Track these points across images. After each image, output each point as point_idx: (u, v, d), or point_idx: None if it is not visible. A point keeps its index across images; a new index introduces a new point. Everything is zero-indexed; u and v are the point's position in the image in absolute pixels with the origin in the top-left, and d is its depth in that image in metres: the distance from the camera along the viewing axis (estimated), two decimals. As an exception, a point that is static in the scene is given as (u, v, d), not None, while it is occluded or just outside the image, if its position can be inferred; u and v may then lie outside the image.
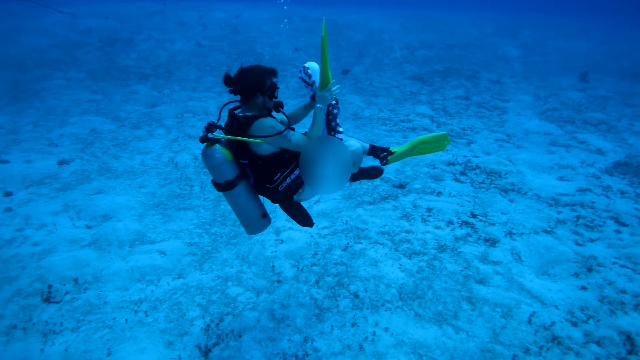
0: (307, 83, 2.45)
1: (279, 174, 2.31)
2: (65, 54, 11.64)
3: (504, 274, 3.32)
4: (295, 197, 2.44)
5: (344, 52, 12.97)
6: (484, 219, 4.24)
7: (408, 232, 3.98)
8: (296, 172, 2.34)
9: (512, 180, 5.14)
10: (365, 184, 5.09)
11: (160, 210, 4.46)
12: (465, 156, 6.02)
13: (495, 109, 8.55)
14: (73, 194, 4.70)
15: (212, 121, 2.23)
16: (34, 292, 3.01)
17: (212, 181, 2.30)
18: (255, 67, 2.29)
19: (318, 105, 2.27)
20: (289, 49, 12.80)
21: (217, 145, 2.19)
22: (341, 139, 2.41)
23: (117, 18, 14.08)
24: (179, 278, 3.35)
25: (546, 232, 3.92)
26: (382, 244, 3.78)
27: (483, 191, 4.89)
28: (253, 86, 2.24)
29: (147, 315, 2.89)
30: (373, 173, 2.86)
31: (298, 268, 3.44)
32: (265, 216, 2.43)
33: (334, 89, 2.30)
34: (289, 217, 2.63)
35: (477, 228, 4.03)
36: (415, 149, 2.76)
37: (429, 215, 4.29)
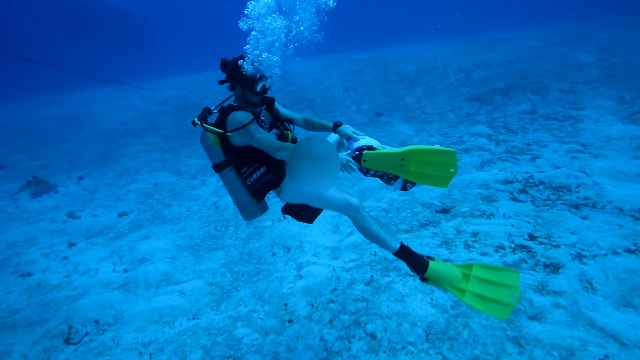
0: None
1: (245, 168, 2.27)
2: (146, 123, 13.34)
3: (567, 306, 2.58)
4: (281, 198, 2.33)
5: (394, 85, 12.82)
6: (545, 240, 3.49)
7: (446, 261, 3.42)
8: (262, 169, 2.24)
9: (585, 194, 4.25)
10: (404, 212, 4.62)
11: (194, 252, 4.51)
12: (527, 172, 5.22)
13: (568, 119, 7.48)
14: (122, 241, 5.03)
15: (207, 107, 2.34)
16: (59, 334, 3.12)
17: None
18: (238, 57, 2.33)
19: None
20: (339, 90, 13.07)
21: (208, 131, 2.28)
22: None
23: (188, 87, 15.95)
24: (193, 319, 3.24)
25: (630, 251, 3.05)
26: (413, 275, 3.28)
27: (547, 209, 4.10)
28: (232, 77, 2.31)
29: (150, 358, 2.78)
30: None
31: (313, 306, 3.10)
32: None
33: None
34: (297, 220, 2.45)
35: (534, 252, 3.31)
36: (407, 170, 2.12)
37: (475, 241, 3.67)
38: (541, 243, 3.45)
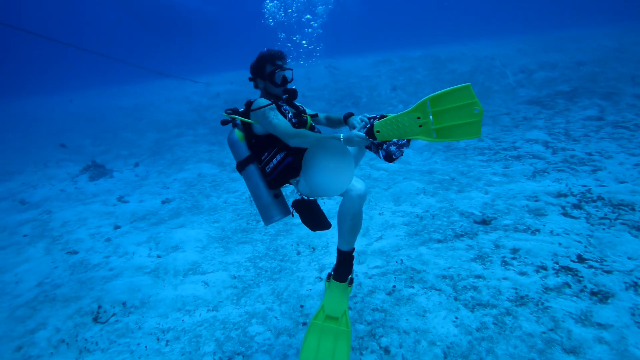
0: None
1: (266, 154, 2.27)
2: (198, 115, 13.96)
3: (612, 343, 2.26)
4: (297, 189, 2.32)
5: (447, 84, 12.21)
6: (596, 264, 3.10)
7: (478, 277, 3.16)
8: (282, 153, 2.21)
9: (652, 215, 3.73)
10: (439, 220, 4.37)
11: (224, 243, 4.60)
12: (585, 186, 4.71)
13: (641, 128, 6.66)
14: (160, 227, 5.27)
15: (236, 108, 2.41)
16: (89, 312, 3.31)
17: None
18: (261, 53, 2.41)
19: (342, 136, 2.00)
20: (387, 89, 12.76)
21: (235, 128, 2.36)
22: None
23: (239, 82, 16.42)
24: (212, 310, 3.28)
25: (701, 287, 2.60)
26: (439, 290, 3.06)
27: (604, 229, 3.65)
28: (254, 72, 2.40)
29: (167, 345, 2.86)
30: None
31: (329, 310, 3.00)
32: (278, 196, 2.38)
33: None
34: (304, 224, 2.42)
35: (581, 276, 2.95)
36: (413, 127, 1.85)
37: (513, 258, 3.36)
38: (591, 267, 3.06)
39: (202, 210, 5.88)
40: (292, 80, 2.46)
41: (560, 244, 3.45)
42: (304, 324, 2.91)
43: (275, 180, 2.26)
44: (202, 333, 2.95)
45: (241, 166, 2.36)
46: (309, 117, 2.47)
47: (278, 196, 2.40)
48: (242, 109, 2.42)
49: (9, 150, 12.49)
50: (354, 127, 2.29)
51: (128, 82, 22.28)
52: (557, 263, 3.17)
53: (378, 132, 1.90)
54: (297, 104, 2.61)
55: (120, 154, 10.84)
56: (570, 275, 2.98)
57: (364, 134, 1.96)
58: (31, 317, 3.30)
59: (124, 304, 3.40)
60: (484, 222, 4.17)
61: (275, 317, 3.02)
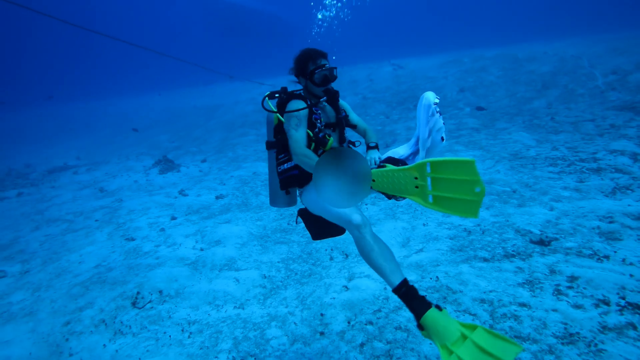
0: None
1: (283, 155, 2.26)
2: (262, 116, 14.50)
3: (681, 409, 1.82)
4: (301, 200, 2.28)
5: (522, 86, 11.20)
6: (678, 306, 2.55)
7: (522, 305, 2.79)
8: (292, 163, 2.20)
9: None
10: (489, 236, 3.97)
11: (262, 242, 4.68)
12: (679, 208, 3.94)
13: None
14: (209, 221, 5.53)
15: (285, 88, 2.40)
16: (131, 296, 3.57)
17: None
18: (302, 50, 2.36)
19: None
20: (453, 91, 12.05)
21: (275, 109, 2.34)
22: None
23: (304, 83, 16.77)
24: (238, 308, 3.34)
25: None
26: (474, 315, 2.76)
27: (696, 262, 3.01)
28: (296, 70, 2.35)
29: (189, 337, 2.96)
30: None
31: (349, 323, 2.87)
32: (289, 194, 2.37)
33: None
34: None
35: (654, 318, 2.44)
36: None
37: (570, 287, 2.91)
38: (670, 308, 2.53)
39: (249, 207, 6.06)
40: (335, 78, 2.33)
41: (631, 275, 2.91)
42: (322, 333, 2.81)
43: (281, 182, 2.26)
44: (223, 330, 3.01)
45: (268, 146, 2.42)
46: (331, 139, 2.27)
47: (289, 193, 2.38)
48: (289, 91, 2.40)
49: (102, 144, 14.19)
50: None
51: (205, 84, 24.02)
52: (623, 298, 2.67)
53: (374, 181, 1.77)
54: (342, 105, 2.50)
55: (189, 150, 11.68)
56: (638, 315, 2.49)
57: None
58: (83, 295, 3.66)
59: (160, 292, 3.61)
60: (542, 242, 3.69)
61: (295, 323, 2.97)
